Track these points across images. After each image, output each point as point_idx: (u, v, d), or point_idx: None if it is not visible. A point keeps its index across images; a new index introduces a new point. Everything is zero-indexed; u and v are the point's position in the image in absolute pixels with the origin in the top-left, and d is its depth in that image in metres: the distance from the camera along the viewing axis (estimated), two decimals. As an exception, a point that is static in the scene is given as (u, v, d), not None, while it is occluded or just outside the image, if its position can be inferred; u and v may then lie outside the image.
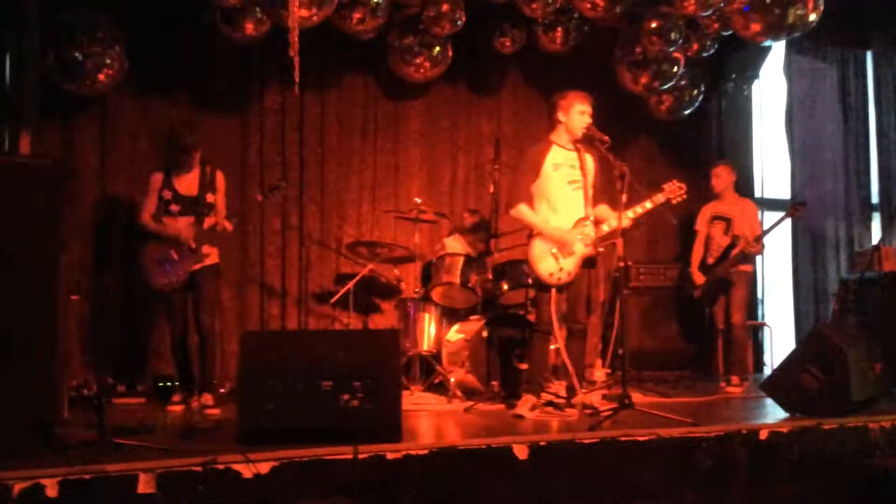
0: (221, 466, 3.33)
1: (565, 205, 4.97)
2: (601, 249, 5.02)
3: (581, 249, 4.92)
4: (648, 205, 4.95)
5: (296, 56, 4.73)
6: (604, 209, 5.06)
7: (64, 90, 5.81)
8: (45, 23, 5.71)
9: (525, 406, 4.84)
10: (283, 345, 4.10)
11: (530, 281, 5.41)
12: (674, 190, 5.01)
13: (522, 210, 4.96)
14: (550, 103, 5.11)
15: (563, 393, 5.15)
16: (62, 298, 4.69)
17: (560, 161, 4.98)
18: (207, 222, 5.34)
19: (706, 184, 7.04)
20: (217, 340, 5.61)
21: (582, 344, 5.10)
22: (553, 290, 4.90)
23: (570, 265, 4.90)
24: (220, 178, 5.48)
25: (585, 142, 5.03)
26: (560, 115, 5.00)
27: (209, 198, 5.37)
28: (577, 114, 4.95)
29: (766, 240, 6.53)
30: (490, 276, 6.07)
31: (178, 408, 5.24)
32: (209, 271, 5.38)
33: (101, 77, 5.78)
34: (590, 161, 5.06)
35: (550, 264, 4.89)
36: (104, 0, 5.86)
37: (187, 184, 5.35)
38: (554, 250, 4.91)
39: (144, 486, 3.19)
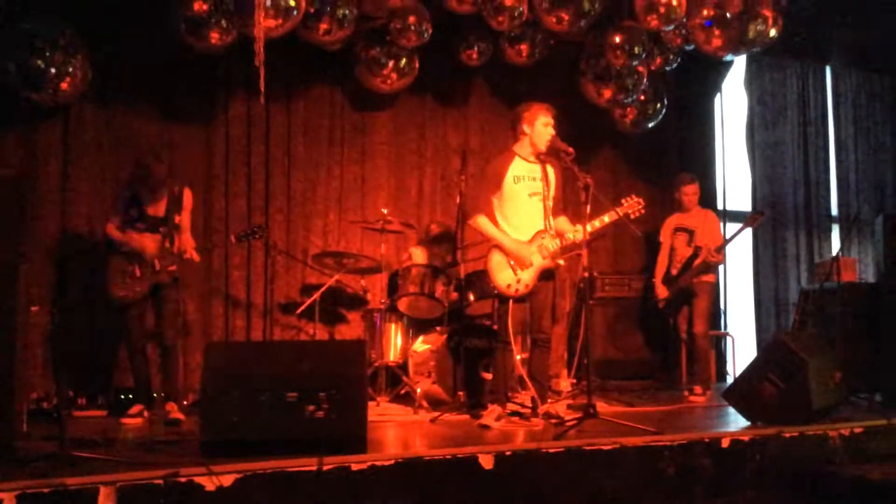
0: (184, 479, 3.29)
1: (526, 217, 4.99)
2: (561, 262, 5.07)
3: (539, 261, 4.95)
4: (606, 219, 4.99)
5: (261, 66, 4.72)
6: (563, 221, 5.10)
7: (26, 99, 5.74)
8: (6, 31, 5.65)
9: (491, 416, 4.85)
10: (248, 356, 4.07)
11: (495, 291, 5.46)
12: (632, 205, 5.05)
13: (480, 221, 4.98)
14: (514, 115, 5.10)
15: (528, 403, 5.17)
16: (22, 309, 4.62)
17: (522, 173, 5.00)
18: (176, 244, 5.31)
19: (670, 195, 7.15)
20: (179, 352, 5.56)
21: (546, 354, 5.13)
22: (511, 302, 4.93)
23: (527, 277, 4.93)
24: (187, 197, 5.46)
25: (549, 154, 5.06)
26: (524, 127, 5.01)
27: (176, 219, 5.36)
28: (542, 126, 4.96)
29: (727, 251, 6.63)
30: (456, 287, 6.09)
31: (136, 420, 5.17)
32: (171, 284, 5.35)
33: (64, 86, 5.73)
34: (552, 173, 5.09)
35: (508, 276, 4.93)
36: (67, 8, 5.81)
37: (155, 204, 5.34)
38: (512, 262, 4.94)
39: (105, 499, 3.14)
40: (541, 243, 4.96)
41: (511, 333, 4.90)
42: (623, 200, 5.08)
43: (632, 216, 5.05)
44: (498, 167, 5.03)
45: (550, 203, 5.04)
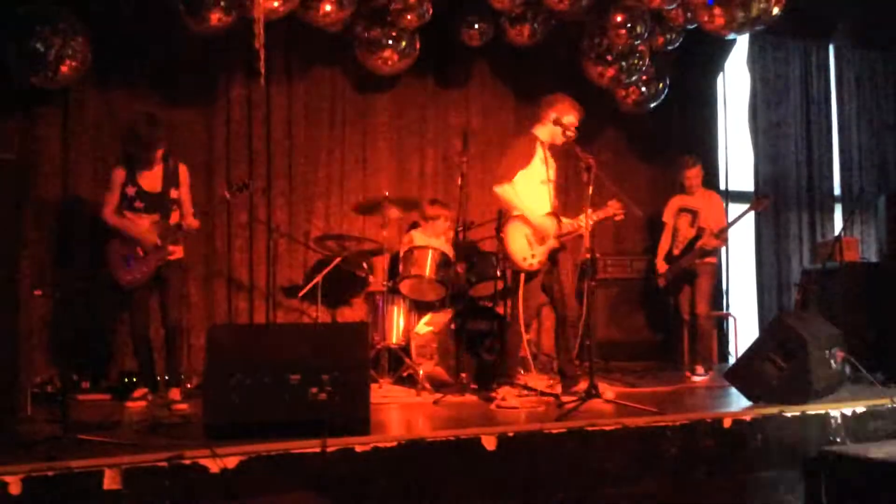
0: (188, 461, 3.32)
1: (536, 199, 5.13)
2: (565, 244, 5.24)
3: (551, 241, 5.10)
4: (595, 218, 5.09)
5: (261, 48, 4.70)
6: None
7: (25, 82, 5.72)
8: (5, 14, 5.62)
9: (511, 395, 4.91)
10: (251, 338, 4.08)
11: (498, 273, 5.53)
12: (616, 208, 5.22)
13: (508, 190, 5.08)
14: (547, 101, 5.22)
15: (532, 384, 5.23)
16: (25, 294, 4.63)
17: (541, 157, 5.17)
18: (173, 217, 5.29)
19: (671, 176, 7.13)
20: (183, 335, 5.57)
21: (571, 333, 5.21)
22: (522, 277, 4.99)
23: (540, 253, 5.07)
24: (183, 172, 5.41)
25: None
26: (552, 115, 5.14)
27: (173, 193, 5.32)
28: (569, 123, 5.12)
29: (729, 231, 6.63)
30: (458, 269, 6.09)
31: (140, 404, 5.16)
32: (175, 266, 5.35)
33: (64, 69, 5.69)
34: (552, 162, 5.27)
35: (524, 248, 5.04)
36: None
37: (151, 179, 5.28)
38: (528, 234, 5.04)
39: (110, 482, 3.17)
40: (552, 224, 5.12)
41: (520, 311, 4.95)
42: (608, 203, 5.23)
43: (616, 218, 5.26)
44: (529, 146, 5.17)
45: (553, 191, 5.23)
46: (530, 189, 5.14)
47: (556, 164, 5.33)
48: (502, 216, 5.23)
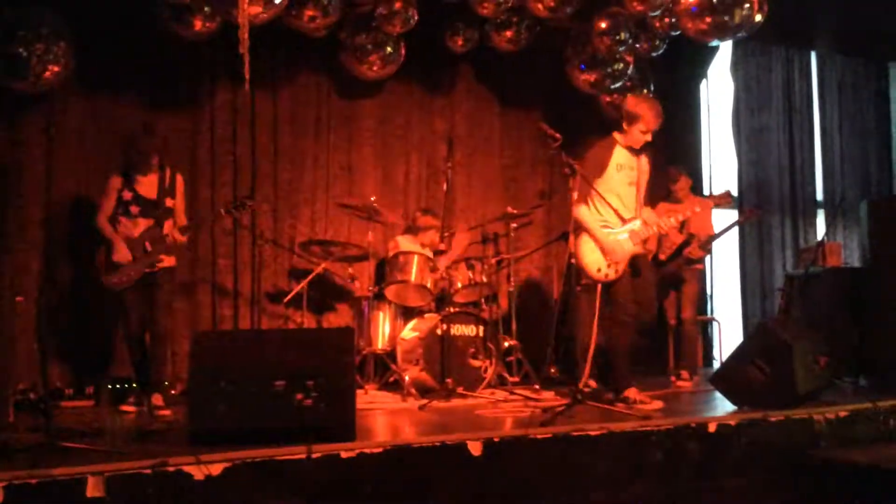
0: (172, 468, 3.28)
1: (622, 204, 5.14)
2: (650, 248, 5.36)
3: (630, 248, 5.09)
4: (674, 221, 5.33)
5: (246, 53, 4.68)
6: (647, 212, 5.29)
7: (8, 88, 5.68)
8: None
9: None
10: (236, 345, 4.06)
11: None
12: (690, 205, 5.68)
13: (585, 214, 5.07)
14: (626, 103, 5.26)
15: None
16: (7, 300, 4.60)
17: (623, 161, 5.16)
18: (167, 226, 5.30)
19: (655, 181, 7.15)
20: (168, 341, 5.54)
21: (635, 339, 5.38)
22: (599, 287, 5.03)
23: (616, 262, 5.07)
24: (179, 182, 5.47)
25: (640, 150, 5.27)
26: (626, 122, 5.16)
27: (168, 202, 5.35)
28: (639, 132, 5.11)
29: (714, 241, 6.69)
30: (444, 274, 6.10)
31: (134, 409, 5.15)
32: (166, 273, 5.35)
33: (47, 74, 5.65)
34: (644, 163, 5.27)
35: (598, 260, 5.04)
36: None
37: (147, 186, 5.33)
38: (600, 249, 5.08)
39: (93, 489, 3.14)
40: (632, 230, 5.10)
41: (595, 319, 5.03)
42: (676, 208, 5.63)
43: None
44: (601, 155, 5.15)
45: (642, 193, 5.25)
46: (616, 195, 5.12)
47: (649, 164, 5.33)
48: (574, 229, 5.17)
